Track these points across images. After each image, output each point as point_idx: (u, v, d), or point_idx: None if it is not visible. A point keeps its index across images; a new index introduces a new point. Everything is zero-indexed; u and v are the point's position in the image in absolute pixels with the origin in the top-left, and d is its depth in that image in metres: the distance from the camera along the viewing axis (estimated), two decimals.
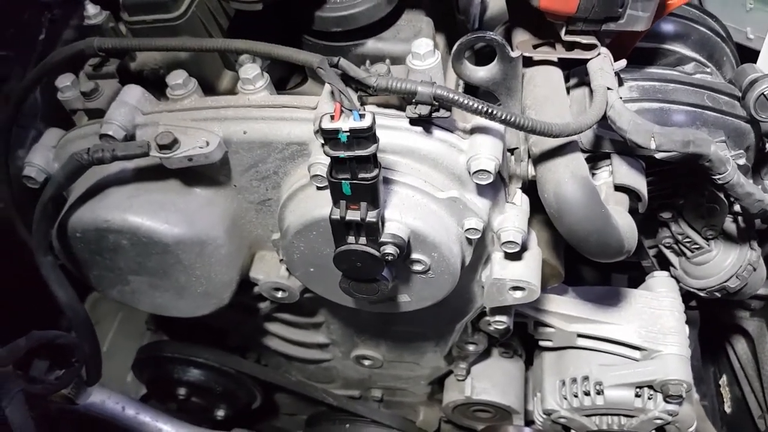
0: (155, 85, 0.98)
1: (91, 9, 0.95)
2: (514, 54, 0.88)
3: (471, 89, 1.00)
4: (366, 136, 0.69)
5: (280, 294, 1.05)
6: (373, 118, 0.68)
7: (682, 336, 1.12)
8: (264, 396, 1.40)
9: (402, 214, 0.81)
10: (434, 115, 0.78)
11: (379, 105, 0.84)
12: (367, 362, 1.33)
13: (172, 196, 0.90)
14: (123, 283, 0.98)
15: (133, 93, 0.91)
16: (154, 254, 0.90)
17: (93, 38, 0.92)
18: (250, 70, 0.88)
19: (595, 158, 1.02)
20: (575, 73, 1.04)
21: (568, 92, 1.04)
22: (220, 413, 1.35)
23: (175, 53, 0.96)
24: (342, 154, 0.70)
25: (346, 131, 0.68)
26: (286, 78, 1.04)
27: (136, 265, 0.93)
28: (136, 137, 0.89)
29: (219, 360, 1.27)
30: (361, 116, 0.69)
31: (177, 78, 0.90)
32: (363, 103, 0.84)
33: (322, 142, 0.70)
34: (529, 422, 1.35)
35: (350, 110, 0.69)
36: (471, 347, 1.27)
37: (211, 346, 1.30)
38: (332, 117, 0.69)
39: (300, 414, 1.56)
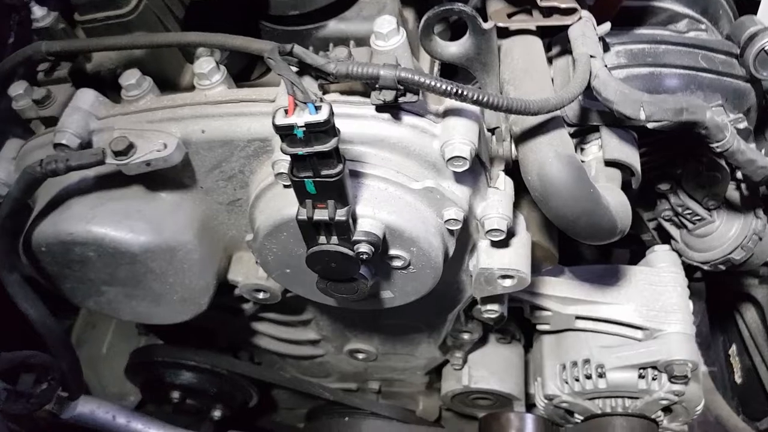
0: (114, 86, 0.93)
1: (38, 11, 0.90)
2: (486, 26, 0.82)
3: (449, 67, 0.94)
4: (324, 129, 0.63)
5: (261, 295, 1.01)
6: (330, 110, 0.63)
7: (686, 313, 1.07)
8: (260, 394, 1.37)
9: (375, 210, 0.77)
10: (401, 100, 0.73)
11: (342, 93, 0.79)
12: (360, 356, 1.30)
13: (136, 204, 0.86)
14: (97, 294, 0.94)
15: (86, 97, 0.86)
16: (123, 264, 0.86)
17: (41, 42, 0.87)
18: (204, 63, 0.82)
19: (583, 132, 0.96)
20: (557, 41, 0.97)
21: (550, 63, 0.97)
22: (217, 413, 1.33)
23: (130, 51, 0.91)
24: (300, 151, 0.65)
25: (301, 126, 0.63)
26: (249, 68, 0.98)
27: (107, 276, 0.89)
28: (93, 144, 0.84)
29: (210, 362, 1.25)
30: (317, 109, 0.63)
31: (130, 78, 0.85)
32: (325, 92, 0.79)
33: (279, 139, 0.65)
34: (530, 406, 1.31)
35: (305, 103, 0.63)
36: (466, 336, 1.23)
37: (202, 348, 1.27)
38: (286, 112, 0.64)
39: (299, 408, 1.54)
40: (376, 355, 1.29)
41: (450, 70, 0.98)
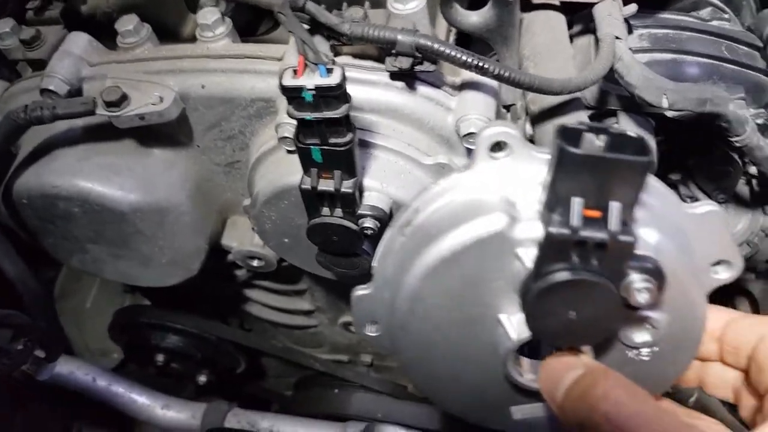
0: (109, 32, 0.86)
1: None
2: None
3: (464, 38, 0.89)
4: (335, 95, 0.59)
5: (255, 262, 0.98)
6: (343, 74, 0.59)
7: None
8: (248, 361, 1.35)
9: (383, 183, 0.73)
10: (417, 68, 0.68)
11: (355, 56, 0.74)
12: (354, 328, 1.27)
13: (127, 159, 0.81)
14: (82, 251, 0.90)
15: (79, 41, 0.80)
16: (110, 223, 0.82)
17: None
18: (209, 14, 0.77)
19: (600, 116, 0.92)
20: (579, 18, 0.92)
21: (571, 40, 0.93)
22: (202, 378, 1.31)
23: None
24: (308, 116, 0.60)
25: (311, 89, 0.58)
26: (255, 23, 0.92)
27: (93, 233, 0.85)
28: (83, 92, 0.79)
29: (198, 326, 1.22)
30: (329, 71, 0.59)
31: (127, 24, 0.79)
32: (337, 54, 0.74)
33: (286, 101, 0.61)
34: None
35: (316, 64, 0.59)
36: None
37: (190, 312, 1.24)
38: (295, 72, 0.59)
39: (288, 377, 1.52)
40: None
41: (464, 43, 0.93)
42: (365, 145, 0.73)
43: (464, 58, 0.65)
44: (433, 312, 0.59)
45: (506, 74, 0.66)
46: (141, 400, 1.08)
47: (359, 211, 0.70)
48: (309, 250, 0.79)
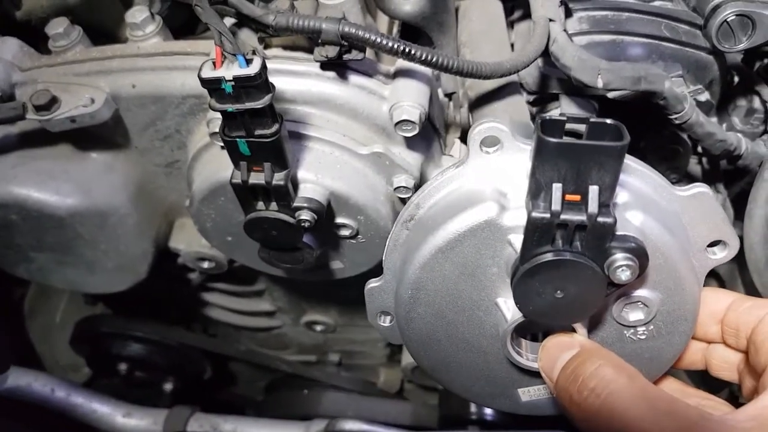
0: (44, 37, 0.85)
1: None
2: None
3: (410, 30, 0.89)
4: (255, 84, 0.58)
5: (206, 264, 0.97)
6: (263, 64, 0.58)
7: None
8: (214, 367, 1.34)
9: (318, 175, 0.72)
10: (345, 57, 0.68)
11: (285, 48, 0.73)
12: (318, 327, 1.27)
13: (63, 163, 0.80)
14: (26, 261, 0.89)
15: (9, 47, 0.79)
16: (50, 229, 0.81)
17: None
18: (137, 13, 0.76)
19: (543, 100, 0.92)
20: (519, 4, 0.93)
21: (512, 27, 0.93)
22: (168, 386, 1.29)
23: None
24: (230, 107, 0.60)
25: (229, 80, 0.58)
26: (193, 22, 0.92)
27: (35, 241, 0.84)
28: (16, 97, 0.78)
29: (158, 333, 1.20)
30: (248, 62, 0.58)
31: (57, 27, 0.78)
32: (267, 47, 0.73)
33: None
34: None
35: (234, 55, 0.58)
36: None
37: (150, 319, 1.23)
38: (214, 64, 0.59)
39: (259, 381, 1.51)
40: (334, 326, 1.26)
41: (413, 38, 0.93)
42: (299, 137, 0.72)
43: (390, 44, 0.65)
44: (434, 299, 0.61)
45: (433, 59, 0.66)
46: (101, 409, 1.07)
47: (295, 204, 0.70)
48: (253, 247, 0.78)
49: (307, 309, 1.22)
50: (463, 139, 0.87)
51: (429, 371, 0.70)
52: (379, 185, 0.77)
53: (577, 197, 0.50)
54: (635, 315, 0.60)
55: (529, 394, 0.69)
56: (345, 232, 0.79)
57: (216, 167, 0.73)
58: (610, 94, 0.83)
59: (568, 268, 0.52)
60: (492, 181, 0.58)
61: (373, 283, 0.66)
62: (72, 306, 1.53)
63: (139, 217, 0.85)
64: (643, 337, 0.62)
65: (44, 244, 0.84)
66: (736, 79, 1.04)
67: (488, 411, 1.25)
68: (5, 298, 1.38)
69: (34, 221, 0.80)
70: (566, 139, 0.49)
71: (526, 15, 0.92)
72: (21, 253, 0.87)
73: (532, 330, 0.66)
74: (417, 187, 0.79)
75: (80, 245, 0.83)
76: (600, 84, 0.76)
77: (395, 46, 0.65)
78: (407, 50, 0.65)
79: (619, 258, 0.52)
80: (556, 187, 0.50)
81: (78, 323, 1.26)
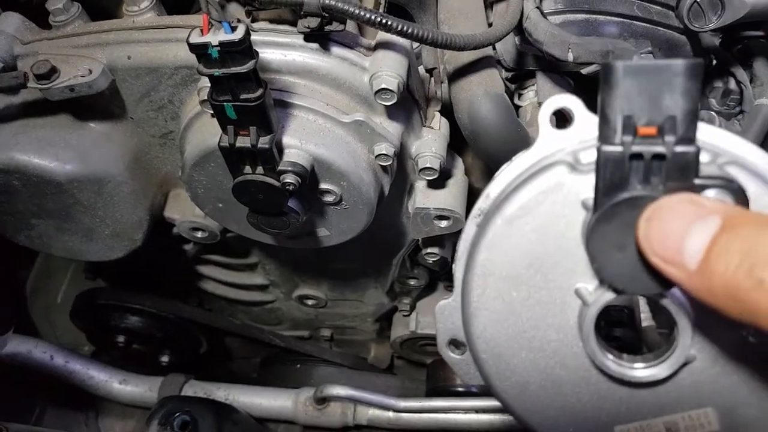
0: (45, 14, 0.90)
1: None
2: None
3: (396, 8, 0.93)
4: (240, 50, 0.63)
5: (200, 234, 1.01)
6: (247, 30, 0.62)
7: None
8: (210, 341, 1.38)
9: (302, 140, 0.77)
10: (327, 28, 0.72)
11: (272, 21, 0.78)
12: (310, 302, 1.31)
13: (62, 132, 0.84)
14: (28, 227, 0.93)
15: (11, 21, 0.83)
16: (50, 194, 0.85)
17: None
18: None
19: (521, 77, 0.97)
20: None
21: (491, 6, 0.97)
22: (165, 359, 1.34)
23: None
24: (216, 71, 0.64)
25: (215, 45, 0.62)
26: (187, 2, 0.96)
27: (36, 207, 0.88)
28: (18, 68, 0.82)
29: (154, 305, 1.25)
30: (233, 29, 0.62)
31: (57, 2, 0.83)
32: (254, 20, 0.78)
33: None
34: None
35: (219, 22, 0.62)
36: (412, 282, 1.25)
37: (147, 292, 1.27)
38: (202, 31, 0.63)
39: (254, 357, 1.55)
40: (325, 301, 1.31)
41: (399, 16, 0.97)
42: (284, 105, 0.76)
43: (367, 15, 0.69)
44: (503, 287, 0.53)
45: (409, 30, 0.70)
46: (98, 375, 1.12)
47: (280, 168, 0.74)
48: (243, 214, 0.82)
49: (299, 283, 1.26)
50: (443, 112, 0.91)
51: (505, 402, 0.57)
52: (360, 152, 0.81)
53: (653, 130, 0.44)
54: None
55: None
56: (329, 198, 0.83)
57: (206, 134, 0.77)
58: (584, 70, 0.87)
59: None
60: (564, 150, 0.52)
61: (444, 300, 0.57)
62: (73, 287, 1.58)
63: (134, 186, 0.89)
64: None
65: (44, 210, 0.88)
66: (714, 61, 1.08)
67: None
68: (10, 275, 1.43)
69: (34, 187, 0.84)
70: (634, 61, 0.44)
71: None
72: (23, 219, 0.91)
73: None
74: (397, 155, 0.83)
75: (79, 212, 0.88)
76: (570, 57, 0.81)
77: (372, 17, 0.69)
78: (383, 21, 0.69)
79: (711, 195, 0.44)
80: (628, 118, 0.44)
81: (78, 296, 1.30)
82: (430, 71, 0.91)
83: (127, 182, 0.88)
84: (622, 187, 0.45)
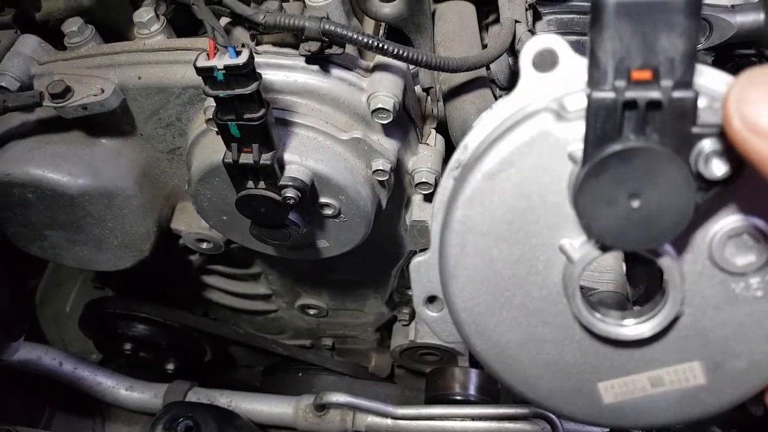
0: (61, 35, 0.94)
1: None
2: None
3: (395, 32, 0.97)
4: (243, 73, 0.67)
5: (204, 245, 1.05)
6: (250, 55, 0.66)
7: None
8: (214, 349, 1.41)
9: (302, 157, 0.80)
10: (327, 51, 0.76)
11: (275, 44, 0.82)
12: (312, 311, 1.34)
13: (75, 148, 0.88)
14: (41, 238, 0.97)
15: (29, 43, 0.88)
16: (62, 207, 0.89)
17: None
18: (144, 13, 0.85)
19: None
20: (494, 8, 1.01)
21: (487, 29, 1.01)
22: (170, 367, 1.37)
23: (78, 0, 0.93)
24: (221, 93, 0.68)
25: (221, 69, 0.66)
26: (196, 24, 1.00)
27: (48, 219, 0.92)
28: (34, 87, 0.87)
29: (160, 314, 1.28)
30: (238, 53, 0.67)
31: (72, 25, 0.87)
32: (258, 43, 0.82)
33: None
34: (475, 362, 1.37)
35: (225, 47, 0.66)
36: (411, 292, 1.28)
37: (154, 301, 1.31)
38: (208, 55, 0.67)
39: (257, 365, 1.58)
40: (326, 310, 1.34)
41: (398, 39, 1.01)
42: (285, 123, 0.80)
43: (365, 40, 0.73)
44: (483, 244, 0.49)
45: (404, 54, 0.74)
46: (106, 382, 1.15)
47: (281, 182, 0.78)
48: (246, 226, 0.86)
49: (301, 293, 1.29)
50: (439, 129, 0.95)
51: (485, 361, 0.54)
52: (358, 168, 0.85)
53: (647, 74, 0.40)
54: (744, 256, 0.45)
55: (614, 391, 0.52)
56: (328, 211, 0.87)
57: (211, 151, 0.81)
58: None
59: (642, 162, 0.40)
60: (548, 97, 0.47)
61: (419, 257, 0.54)
62: (81, 296, 1.62)
63: (143, 199, 0.93)
64: (760, 293, 0.46)
65: (57, 221, 0.92)
66: None
67: (473, 393, 1.30)
68: (21, 284, 1.47)
69: (48, 200, 0.88)
70: None
71: (499, 19, 1.01)
72: (36, 230, 0.95)
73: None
74: (394, 170, 0.87)
75: (89, 223, 0.92)
76: None
77: (369, 41, 0.73)
78: (380, 45, 0.73)
79: (709, 144, 0.40)
80: (620, 60, 0.40)
81: (86, 305, 1.34)
82: (426, 90, 0.95)
83: (136, 195, 0.92)
84: (613, 137, 0.41)
